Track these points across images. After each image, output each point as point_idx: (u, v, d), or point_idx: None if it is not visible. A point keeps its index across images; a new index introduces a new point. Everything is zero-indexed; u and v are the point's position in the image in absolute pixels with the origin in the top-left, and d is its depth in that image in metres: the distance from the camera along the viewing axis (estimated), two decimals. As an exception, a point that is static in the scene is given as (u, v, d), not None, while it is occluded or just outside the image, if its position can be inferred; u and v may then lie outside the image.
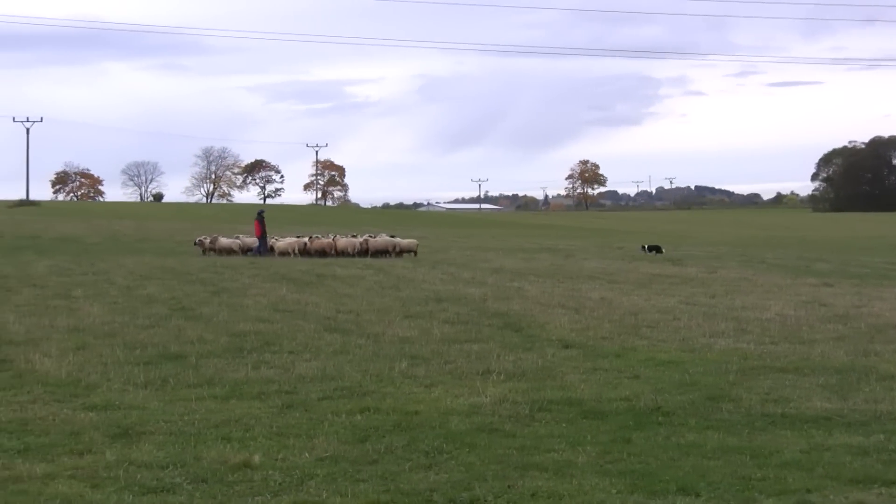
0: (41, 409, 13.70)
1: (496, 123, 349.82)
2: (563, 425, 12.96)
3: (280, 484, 10.46)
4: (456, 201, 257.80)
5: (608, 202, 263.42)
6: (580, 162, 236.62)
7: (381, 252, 44.90)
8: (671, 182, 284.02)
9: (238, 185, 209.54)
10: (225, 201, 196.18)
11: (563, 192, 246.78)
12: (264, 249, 44.89)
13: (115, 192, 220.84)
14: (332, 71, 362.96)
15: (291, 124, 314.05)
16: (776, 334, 20.91)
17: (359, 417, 13.30)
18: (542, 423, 13.12)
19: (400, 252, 45.23)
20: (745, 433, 12.58)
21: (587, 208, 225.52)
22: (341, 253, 44.25)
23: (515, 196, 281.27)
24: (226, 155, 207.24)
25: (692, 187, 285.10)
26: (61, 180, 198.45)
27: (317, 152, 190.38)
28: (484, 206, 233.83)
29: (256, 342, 19.30)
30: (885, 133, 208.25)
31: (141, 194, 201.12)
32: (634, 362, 17.51)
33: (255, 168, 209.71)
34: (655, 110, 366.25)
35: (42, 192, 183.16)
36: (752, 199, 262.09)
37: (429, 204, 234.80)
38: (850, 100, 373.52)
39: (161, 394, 14.82)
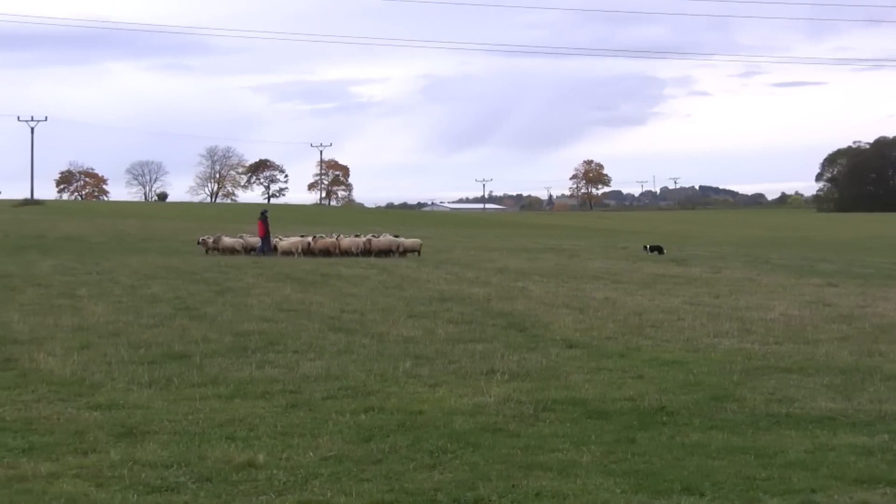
0: (45, 409, 13.71)
1: (500, 123, 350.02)
2: (568, 425, 12.96)
3: (284, 483, 10.46)
4: (460, 201, 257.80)
5: (612, 202, 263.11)
6: (584, 162, 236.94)
7: (385, 252, 44.91)
8: (675, 182, 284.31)
9: (242, 184, 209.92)
10: (229, 201, 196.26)
11: (568, 192, 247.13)
12: (267, 249, 44.91)
13: (120, 191, 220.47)
14: (336, 71, 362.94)
15: (296, 124, 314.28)
16: (780, 334, 20.90)
17: (363, 417, 13.30)
18: (546, 422, 13.12)
19: (404, 252, 45.24)
20: (749, 433, 12.57)
21: (591, 208, 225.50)
22: (345, 252, 44.27)
23: (519, 196, 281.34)
24: (230, 154, 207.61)
25: (696, 187, 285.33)
26: (66, 180, 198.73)
27: (321, 152, 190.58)
28: (488, 206, 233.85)
29: (261, 342, 19.31)
30: (890, 133, 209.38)
31: (145, 194, 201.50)
32: (638, 362, 17.51)
33: (260, 168, 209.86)
34: (660, 110, 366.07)
35: (47, 191, 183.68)
36: (757, 200, 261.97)
37: (433, 204, 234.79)
38: (855, 100, 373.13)
39: (165, 393, 14.83)
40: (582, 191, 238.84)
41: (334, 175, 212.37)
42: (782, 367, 17.07)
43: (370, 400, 14.31)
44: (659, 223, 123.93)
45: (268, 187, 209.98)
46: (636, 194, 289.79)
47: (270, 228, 46.80)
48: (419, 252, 45.29)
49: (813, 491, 10.24)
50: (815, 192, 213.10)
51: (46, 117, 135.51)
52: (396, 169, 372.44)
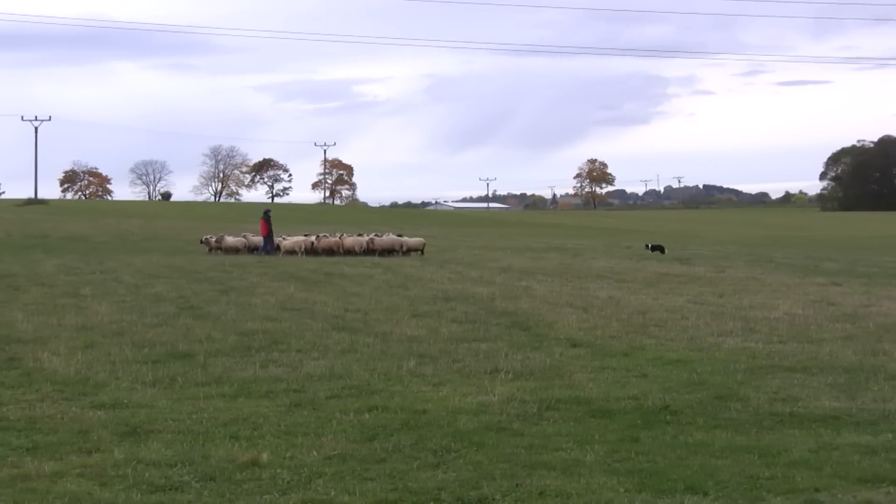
0: (49, 408, 13.72)
1: (504, 123, 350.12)
2: (571, 424, 12.95)
3: (288, 482, 10.46)
4: (464, 200, 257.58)
5: (616, 201, 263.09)
6: (588, 161, 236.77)
7: (388, 251, 44.95)
8: (679, 181, 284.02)
9: (246, 184, 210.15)
10: (233, 200, 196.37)
11: (572, 192, 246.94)
12: (271, 248, 44.94)
13: (124, 190, 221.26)
14: (340, 70, 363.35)
15: (300, 123, 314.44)
16: (784, 333, 20.88)
17: (367, 416, 13.30)
18: (550, 421, 13.11)
19: (407, 251, 45.26)
20: (753, 432, 12.57)
21: (595, 207, 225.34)
22: (348, 252, 44.30)
23: (523, 195, 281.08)
24: (234, 154, 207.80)
25: (700, 186, 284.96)
26: (70, 179, 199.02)
27: (325, 151, 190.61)
28: (492, 205, 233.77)
29: (264, 341, 19.32)
30: (894, 132, 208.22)
31: (149, 193, 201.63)
32: (642, 361, 17.50)
33: (264, 167, 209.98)
34: (664, 109, 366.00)
35: (50, 190, 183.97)
36: (761, 199, 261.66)
37: (437, 203, 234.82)
38: (859, 99, 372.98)
39: (169, 392, 14.83)
40: (586, 190, 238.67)
41: (338, 174, 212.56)
42: (786, 366, 17.06)
43: (374, 399, 14.31)
44: (663, 222, 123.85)
45: (271, 187, 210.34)
46: (640, 193, 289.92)
47: (273, 228, 46.83)
48: (422, 251, 45.31)
49: (817, 490, 10.23)
50: (819, 191, 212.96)
51: (50, 117, 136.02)
52: (400, 168, 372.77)
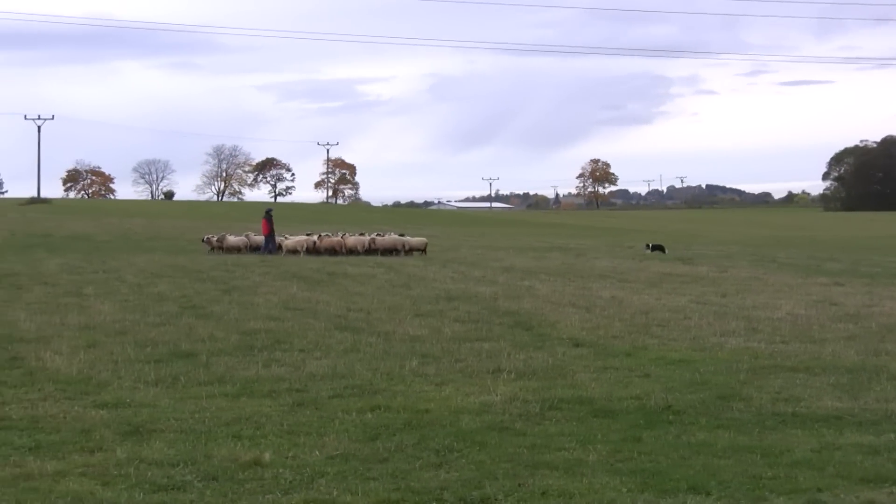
0: (52, 407, 13.73)
1: (507, 122, 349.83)
2: (574, 424, 12.96)
3: (290, 482, 10.46)
4: (467, 200, 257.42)
5: (619, 201, 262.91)
6: (591, 161, 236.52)
7: (390, 250, 44.96)
8: (682, 181, 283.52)
9: (249, 183, 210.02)
10: (236, 199, 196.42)
11: (574, 191, 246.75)
12: (272, 248, 44.96)
13: (127, 190, 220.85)
14: (343, 69, 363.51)
15: (303, 123, 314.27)
16: (787, 333, 20.88)
17: (369, 416, 13.30)
18: (552, 421, 13.11)
19: (409, 250, 45.27)
20: (755, 432, 12.56)
21: (598, 207, 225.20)
22: (351, 251, 44.32)
23: (526, 195, 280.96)
24: (237, 153, 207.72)
25: (703, 186, 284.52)
26: (73, 178, 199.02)
27: (328, 151, 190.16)
28: (495, 204, 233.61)
29: (267, 340, 19.33)
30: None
31: (152, 192, 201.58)
32: (645, 361, 17.50)
33: (266, 166, 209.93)
34: (667, 109, 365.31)
35: (53, 189, 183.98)
36: (763, 199, 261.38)
37: (440, 202, 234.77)
38: (862, 99, 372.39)
39: (172, 391, 14.84)
40: (588, 190, 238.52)
41: (341, 174, 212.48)
42: (789, 366, 17.05)
43: (376, 398, 14.31)
44: (665, 222, 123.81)
45: (274, 186, 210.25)
46: (643, 193, 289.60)
47: (275, 227, 46.84)
48: (425, 251, 45.32)
49: (819, 490, 10.23)
50: (821, 191, 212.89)
51: (53, 116, 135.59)
52: (403, 168, 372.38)
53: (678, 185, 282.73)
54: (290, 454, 11.41)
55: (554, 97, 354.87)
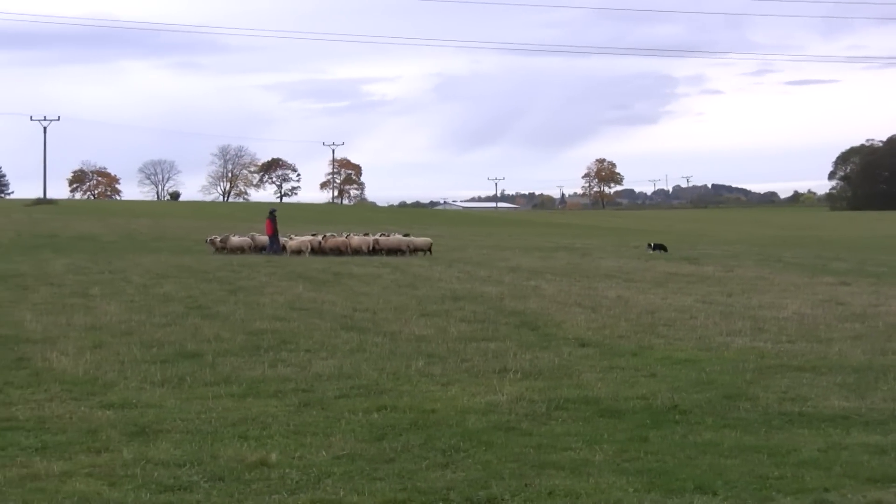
0: (59, 408, 13.75)
1: (513, 122, 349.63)
2: (580, 424, 12.95)
3: (297, 482, 10.46)
4: (472, 200, 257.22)
5: (625, 201, 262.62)
6: (597, 160, 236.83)
7: (394, 250, 44.98)
8: (688, 181, 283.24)
9: (254, 183, 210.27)
10: (241, 200, 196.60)
11: (580, 191, 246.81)
12: (277, 248, 44.99)
13: (132, 190, 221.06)
14: (348, 69, 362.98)
15: (308, 123, 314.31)
16: (793, 333, 20.85)
17: (375, 416, 13.31)
18: (558, 421, 13.11)
19: (414, 250, 45.29)
20: (762, 432, 12.55)
21: (604, 207, 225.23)
22: (356, 251, 44.35)
23: (532, 195, 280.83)
24: (242, 153, 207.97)
25: (709, 186, 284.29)
26: (78, 179, 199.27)
27: (333, 151, 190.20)
28: (501, 204, 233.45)
29: (273, 340, 19.34)
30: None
31: (158, 193, 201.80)
32: (651, 361, 17.49)
33: (272, 167, 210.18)
34: (672, 109, 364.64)
35: (59, 190, 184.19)
36: (769, 198, 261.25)
37: (445, 203, 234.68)
38: (868, 98, 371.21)
39: (178, 392, 14.85)
40: (594, 189, 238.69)
41: (346, 174, 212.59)
42: (795, 365, 17.03)
43: (383, 399, 14.32)
44: (671, 222, 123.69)
45: (280, 186, 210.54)
46: (648, 193, 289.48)
47: (281, 228, 46.87)
48: (430, 251, 45.32)
49: (826, 490, 10.21)
50: (827, 191, 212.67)
51: (59, 116, 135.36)
52: (409, 168, 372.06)
53: (684, 185, 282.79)
54: (296, 454, 11.41)
55: (559, 97, 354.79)
